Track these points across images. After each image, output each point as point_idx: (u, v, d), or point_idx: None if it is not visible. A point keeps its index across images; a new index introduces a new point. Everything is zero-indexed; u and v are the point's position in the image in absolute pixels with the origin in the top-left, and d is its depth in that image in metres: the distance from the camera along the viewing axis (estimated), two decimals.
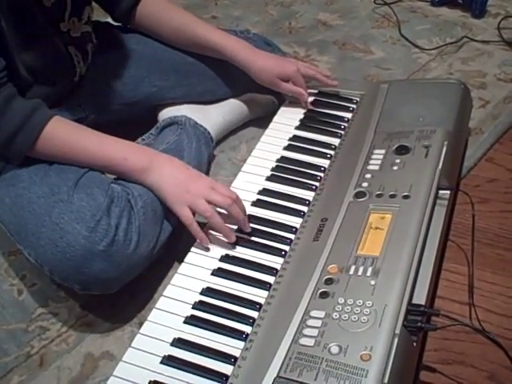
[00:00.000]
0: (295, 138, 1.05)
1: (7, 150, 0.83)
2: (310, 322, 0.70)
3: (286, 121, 1.08)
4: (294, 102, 1.11)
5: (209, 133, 1.08)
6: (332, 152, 1.01)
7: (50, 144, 0.84)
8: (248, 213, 0.90)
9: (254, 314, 0.76)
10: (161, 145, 1.00)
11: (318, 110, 1.10)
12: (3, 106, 0.81)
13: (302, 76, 1.08)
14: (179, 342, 0.73)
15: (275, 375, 0.66)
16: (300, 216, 0.89)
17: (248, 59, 1.06)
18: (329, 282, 0.75)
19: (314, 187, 0.94)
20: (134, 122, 1.08)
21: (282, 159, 1.00)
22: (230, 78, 1.13)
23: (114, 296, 0.88)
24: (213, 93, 1.13)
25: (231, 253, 0.84)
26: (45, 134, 0.83)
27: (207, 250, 0.85)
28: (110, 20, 1.12)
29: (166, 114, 1.11)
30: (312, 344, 0.67)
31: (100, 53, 1.04)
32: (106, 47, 1.06)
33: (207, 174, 1.07)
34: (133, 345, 0.73)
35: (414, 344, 0.70)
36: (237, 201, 0.86)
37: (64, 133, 0.85)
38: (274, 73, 1.06)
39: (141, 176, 0.87)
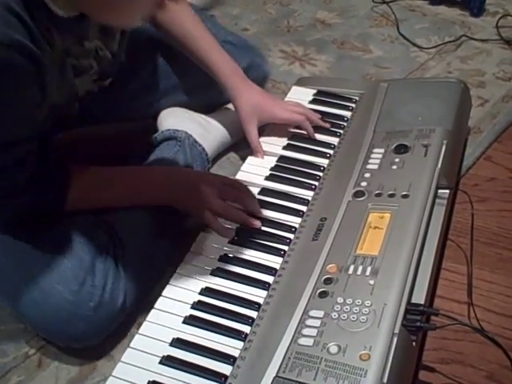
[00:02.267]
0: (294, 137, 1.04)
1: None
2: (308, 322, 0.70)
3: None
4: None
5: (206, 154, 1.05)
6: (331, 151, 1.01)
7: (73, 198, 0.80)
8: None
9: (253, 313, 0.76)
10: (156, 160, 0.99)
11: (317, 108, 1.10)
12: (26, 186, 0.76)
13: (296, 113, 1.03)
14: (178, 342, 0.73)
15: (274, 375, 0.65)
16: (299, 215, 0.89)
17: (237, 88, 1.01)
18: (328, 281, 0.74)
19: (313, 186, 0.94)
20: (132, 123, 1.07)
21: (281, 158, 1.00)
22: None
23: None
24: (202, 96, 1.12)
25: (230, 253, 0.84)
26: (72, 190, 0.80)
27: (206, 249, 0.85)
28: None
29: (166, 118, 1.09)
30: (311, 344, 0.67)
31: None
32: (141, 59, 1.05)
33: None
34: (131, 345, 0.73)
35: (414, 343, 0.70)
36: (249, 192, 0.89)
37: (85, 185, 0.82)
38: (257, 110, 1.01)
39: (160, 203, 0.86)
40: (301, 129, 1.04)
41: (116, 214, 0.86)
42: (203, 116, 1.11)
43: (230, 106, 1.10)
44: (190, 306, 0.77)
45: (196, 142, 1.04)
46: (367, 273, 0.74)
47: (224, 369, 0.70)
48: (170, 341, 0.73)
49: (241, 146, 1.14)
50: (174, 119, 1.08)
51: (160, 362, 0.71)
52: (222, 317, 0.76)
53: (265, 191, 0.94)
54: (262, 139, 1.04)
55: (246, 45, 1.18)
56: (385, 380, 0.63)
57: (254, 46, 1.21)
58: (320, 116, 1.06)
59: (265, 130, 1.06)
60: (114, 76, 0.94)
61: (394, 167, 0.90)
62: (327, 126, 1.05)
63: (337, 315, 0.69)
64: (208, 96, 1.12)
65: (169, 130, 1.04)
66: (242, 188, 0.89)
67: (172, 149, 1.00)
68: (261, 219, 0.88)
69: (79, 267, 0.77)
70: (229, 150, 1.15)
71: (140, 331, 0.75)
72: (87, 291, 0.77)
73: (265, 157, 1.01)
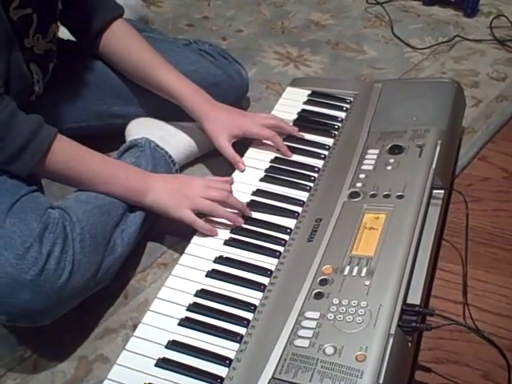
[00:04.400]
0: (289, 138, 1.04)
1: (13, 165, 0.81)
2: (304, 323, 0.70)
3: None
4: (286, 104, 1.11)
5: (170, 156, 1.04)
6: (326, 152, 1.01)
7: (56, 159, 0.83)
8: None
9: (248, 315, 0.76)
10: None
11: (312, 109, 1.10)
12: (9, 120, 0.79)
13: (267, 127, 1.02)
14: (174, 345, 0.73)
15: (270, 376, 0.65)
16: (294, 217, 0.89)
17: (202, 109, 1.01)
18: (323, 282, 0.74)
19: (308, 188, 0.94)
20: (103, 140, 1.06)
21: (276, 160, 1.00)
22: None
23: (109, 299, 0.88)
24: (164, 111, 1.10)
25: (225, 254, 0.84)
26: (52, 149, 0.82)
27: (201, 251, 0.85)
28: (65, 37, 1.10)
29: (131, 129, 1.09)
30: (307, 345, 0.67)
31: (54, 72, 1.02)
32: (59, 66, 1.04)
33: None
34: (127, 348, 0.73)
35: (409, 344, 0.70)
36: (231, 190, 0.91)
37: (69, 149, 0.86)
38: (225, 125, 1.00)
39: (138, 197, 0.89)
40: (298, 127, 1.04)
41: (66, 201, 0.87)
42: (169, 122, 1.10)
43: None
44: (185, 308, 0.77)
45: (158, 146, 1.03)
46: (363, 273, 0.74)
47: (220, 371, 0.70)
48: (165, 343, 0.73)
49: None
50: (138, 130, 1.08)
51: (156, 365, 0.71)
52: (218, 319, 0.76)
53: (260, 192, 0.94)
54: (256, 141, 1.04)
55: (222, 53, 1.18)
56: (381, 381, 0.63)
57: (230, 54, 1.20)
58: (297, 129, 1.05)
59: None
60: (54, 21, 0.96)
61: (389, 168, 0.90)
62: (301, 136, 1.04)
63: (332, 316, 0.69)
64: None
65: (130, 140, 1.04)
66: (226, 188, 0.91)
67: (133, 155, 1.00)
68: (254, 220, 0.89)
69: (28, 235, 0.77)
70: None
71: (135, 333, 0.75)
72: (31, 256, 0.76)
73: (259, 158, 1.00)
